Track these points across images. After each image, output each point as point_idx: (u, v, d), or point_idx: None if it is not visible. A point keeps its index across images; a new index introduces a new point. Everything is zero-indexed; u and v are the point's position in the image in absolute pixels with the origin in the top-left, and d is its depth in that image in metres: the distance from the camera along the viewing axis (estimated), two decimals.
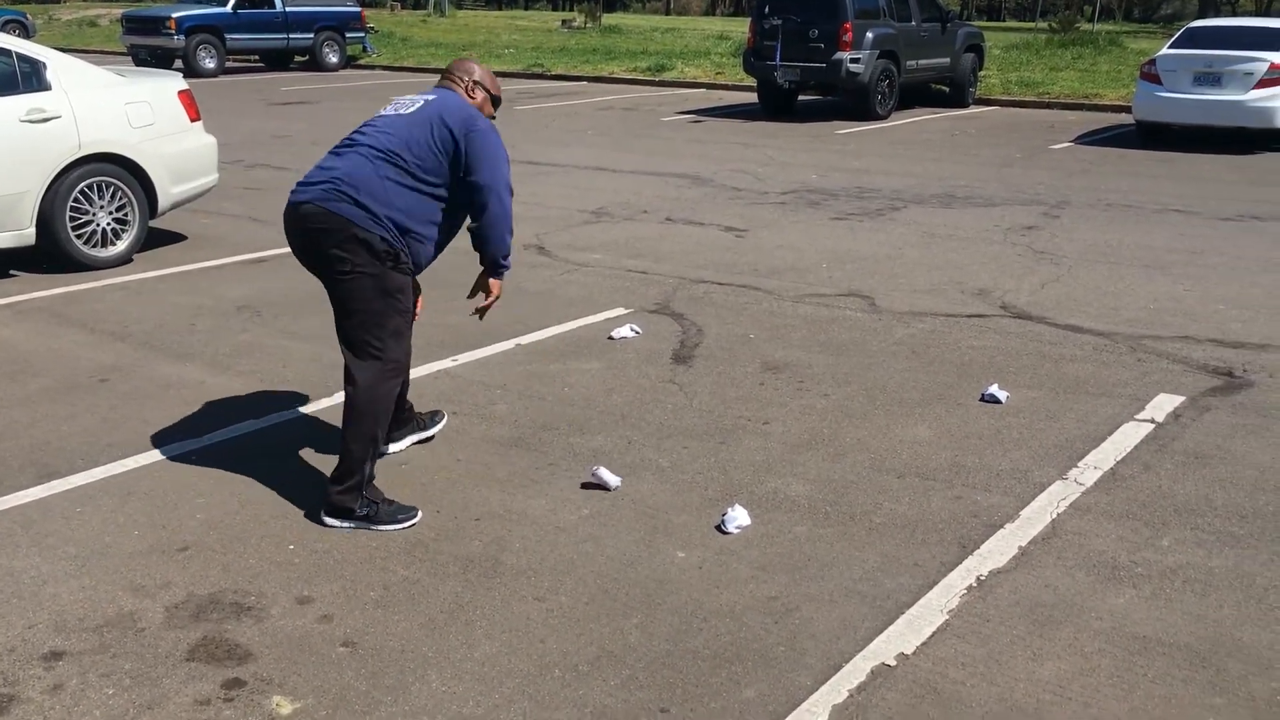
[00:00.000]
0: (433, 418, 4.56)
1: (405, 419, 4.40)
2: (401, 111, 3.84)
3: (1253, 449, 4.46)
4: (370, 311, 3.69)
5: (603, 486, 4.06)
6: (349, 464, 3.77)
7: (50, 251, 7.04)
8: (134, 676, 2.95)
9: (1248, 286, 6.92)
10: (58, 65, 7.02)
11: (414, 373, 5.24)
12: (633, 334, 5.83)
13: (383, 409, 3.81)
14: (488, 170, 3.75)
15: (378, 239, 3.63)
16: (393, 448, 4.37)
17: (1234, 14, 50.14)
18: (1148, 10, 63.20)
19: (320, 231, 3.65)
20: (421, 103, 3.85)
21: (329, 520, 3.80)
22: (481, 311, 4.09)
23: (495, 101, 4.07)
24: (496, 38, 32.07)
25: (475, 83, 4.00)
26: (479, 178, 3.74)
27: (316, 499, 3.92)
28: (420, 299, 4.07)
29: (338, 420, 4.66)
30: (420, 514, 3.86)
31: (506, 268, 3.98)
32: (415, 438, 4.47)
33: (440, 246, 3.91)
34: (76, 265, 7.09)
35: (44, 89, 6.87)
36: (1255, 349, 5.69)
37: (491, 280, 3.99)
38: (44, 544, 3.64)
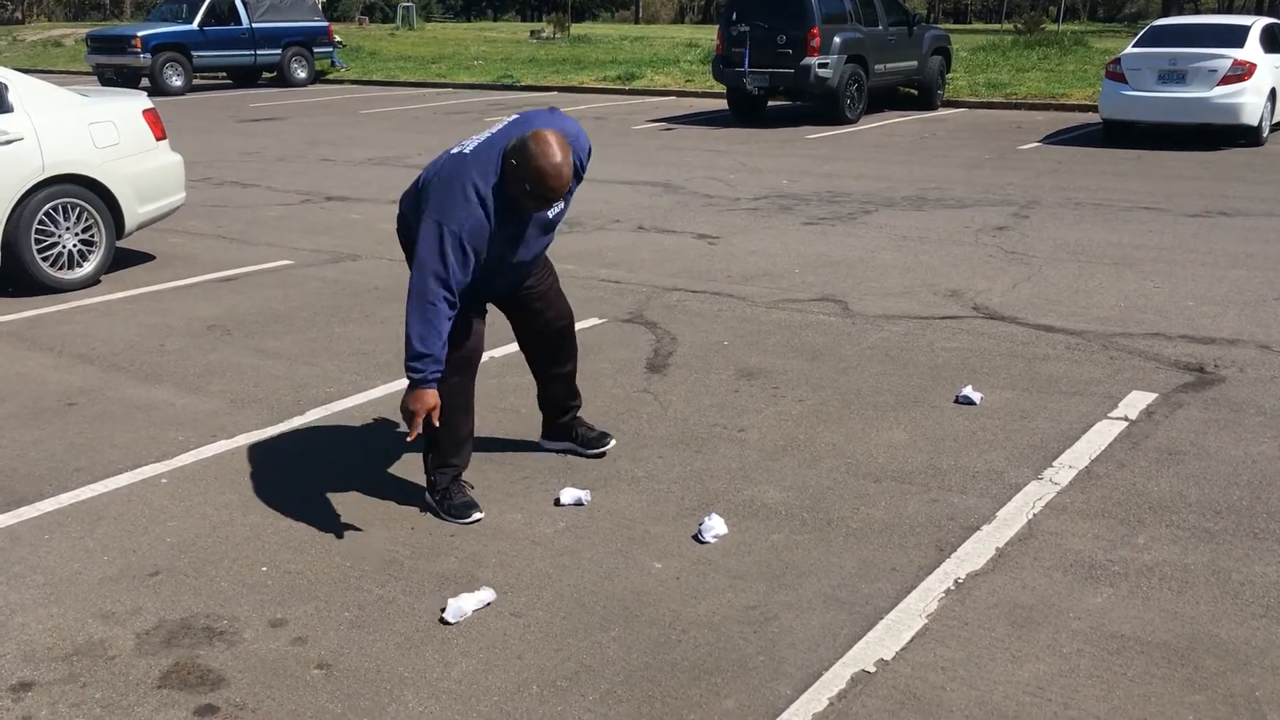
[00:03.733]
0: (600, 439, 4.47)
1: (564, 426, 4.45)
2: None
3: (1225, 444, 4.48)
4: None
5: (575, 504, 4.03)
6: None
7: (16, 274, 6.95)
8: (105, 705, 2.90)
9: (1216, 282, 6.97)
10: (19, 87, 6.94)
11: (380, 390, 5.20)
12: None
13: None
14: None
15: None
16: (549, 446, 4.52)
17: (1197, 12, 50.69)
18: (1112, 10, 63.85)
19: None
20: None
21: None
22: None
23: (536, 196, 3.48)
24: (466, 50, 32.03)
25: (516, 163, 3.44)
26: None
27: (289, 520, 3.89)
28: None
29: (311, 440, 4.65)
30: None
31: (411, 372, 3.53)
32: (569, 447, 4.49)
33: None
34: (43, 288, 7.01)
35: (5, 111, 6.79)
36: (1225, 344, 5.73)
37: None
38: (11, 573, 3.58)
